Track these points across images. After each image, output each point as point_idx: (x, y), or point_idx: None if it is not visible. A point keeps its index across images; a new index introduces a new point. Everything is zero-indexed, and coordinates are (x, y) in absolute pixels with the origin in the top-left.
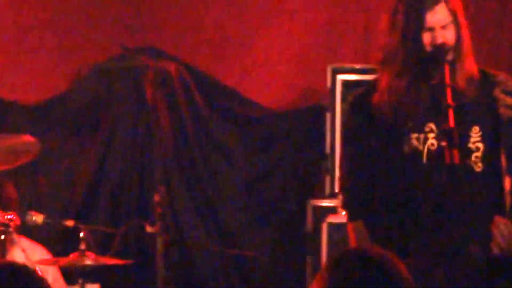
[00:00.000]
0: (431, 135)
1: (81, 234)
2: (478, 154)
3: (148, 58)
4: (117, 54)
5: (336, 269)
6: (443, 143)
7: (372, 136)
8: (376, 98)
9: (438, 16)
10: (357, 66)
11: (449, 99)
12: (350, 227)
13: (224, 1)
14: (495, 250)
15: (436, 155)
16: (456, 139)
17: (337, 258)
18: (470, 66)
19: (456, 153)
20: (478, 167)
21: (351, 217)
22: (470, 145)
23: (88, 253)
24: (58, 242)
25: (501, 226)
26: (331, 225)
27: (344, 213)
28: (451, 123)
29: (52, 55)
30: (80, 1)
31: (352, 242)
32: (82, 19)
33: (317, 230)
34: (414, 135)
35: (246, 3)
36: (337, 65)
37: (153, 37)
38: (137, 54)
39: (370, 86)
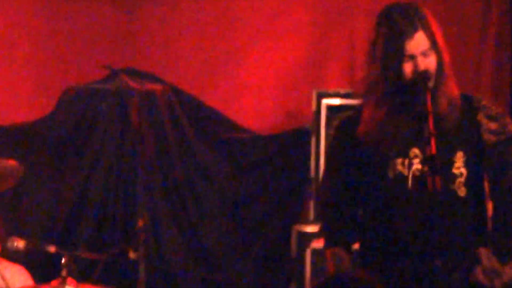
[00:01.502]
0: (416, 160)
1: (63, 260)
2: (462, 179)
3: (134, 80)
4: (103, 76)
5: None
6: (426, 170)
7: (356, 162)
8: (360, 129)
9: (417, 43)
10: (342, 91)
11: (431, 127)
12: (328, 253)
13: (210, 25)
14: (475, 281)
15: (421, 180)
16: (438, 166)
17: (319, 284)
18: (452, 91)
19: (438, 180)
20: (462, 192)
21: (330, 243)
22: (454, 171)
23: (70, 280)
24: (40, 268)
25: (484, 261)
26: (315, 251)
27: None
28: (433, 150)
29: (37, 77)
30: (65, 24)
31: (331, 268)
32: (67, 41)
33: (301, 256)
34: (399, 160)
35: (232, 26)
36: (322, 89)
37: (139, 59)
38: (122, 76)
39: (356, 112)
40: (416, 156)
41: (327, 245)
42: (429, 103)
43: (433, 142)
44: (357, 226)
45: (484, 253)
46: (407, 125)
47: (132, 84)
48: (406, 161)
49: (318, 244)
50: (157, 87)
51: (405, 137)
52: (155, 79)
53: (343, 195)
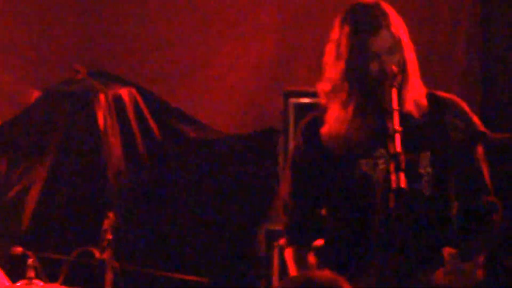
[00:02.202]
0: (381, 161)
1: (29, 261)
2: (428, 178)
3: (100, 82)
4: (69, 78)
5: None
6: (390, 167)
7: (320, 162)
8: (324, 129)
9: (382, 41)
10: (310, 90)
11: (396, 124)
12: (289, 251)
13: (177, 25)
14: (437, 282)
15: (386, 180)
16: (402, 163)
17: (283, 285)
18: (418, 89)
19: (402, 177)
20: (427, 191)
21: (292, 241)
22: (420, 170)
23: (36, 281)
24: (6, 270)
25: (447, 260)
26: (283, 249)
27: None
28: (398, 147)
29: (1, 80)
30: (30, 26)
31: (291, 267)
32: (32, 44)
33: (269, 254)
34: (364, 161)
35: (199, 27)
36: (289, 88)
37: (105, 61)
38: (88, 78)
39: (321, 112)
40: (381, 156)
41: (288, 244)
42: (394, 100)
43: (397, 139)
44: (320, 225)
45: (448, 252)
46: (372, 125)
47: (98, 86)
48: (372, 161)
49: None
50: (124, 89)
51: (370, 137)
52: (121, 81)
53: (305, 195)
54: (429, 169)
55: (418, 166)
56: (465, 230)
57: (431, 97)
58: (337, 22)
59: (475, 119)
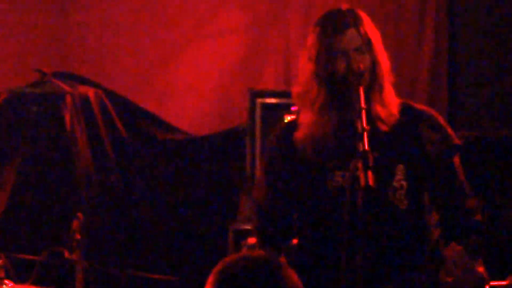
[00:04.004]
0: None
1: (0, 262)
2: (403, 192)
3: (67, 83)
4: (34, 80)
5: (221, 274)
6: (358, 165)
7: (293, 170)
8: (297, 134)
9: (349, 39)
10: (277, 89)
11: (364, 123)
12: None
13: (143, 26)
14: (445, 277)
15: (354, 179)
16: (370, 161)
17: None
18: (389, 95)
19: (370, 175)
20: (403, 205)
21: (263, 243)
22: (395, 183)
23: (7, 281)
24: None
25: (454, 255)
26: (251, 247)
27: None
28: (366, 146)
29: None
30: None
31: None
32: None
33: (237, 252)
34: (339, 172)
35: (166, 27)
36: (256, 88)
37: (72, 62)
38: (54, 80)
39: (295, 118)
40: (357, 169)
41: (259, 246)
42: (362, 98)
43: (365, 137)
44: (291, 228)
45: (454, 249)
46: (347, 136)
47: (65, 87)
48: (347, 174)
49: (254, 240)
50: (90, 90)
51: (346, 148)
52: (87, 82)
53: (278, 199)
54: (403, 183)
55: (392, 179)
56: (450, 234)
57: (405, 108)
58: (311, 29)
59: (451, 131)
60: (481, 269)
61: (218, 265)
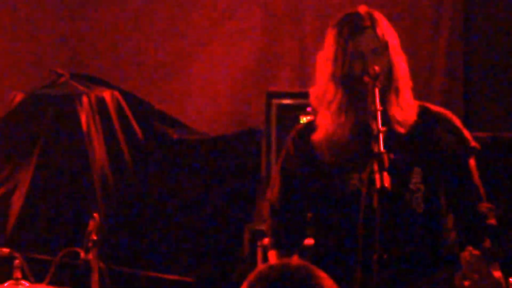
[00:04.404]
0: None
1: (16, 262)
2: (419, 194)
3: (83, 85)
4: (51, 81)
5: (255, 283)
6: (374, 168)
7: (310, 171)
8: (314, 136)
9: (366, 40)
10: (292, 90)
11: (379, 124)
12: (273, 253)
13: (160, 26)
14: (461, 281)
15: (370, 181)
16: (386, 163)
17: (257, 273)
18: (406, 97)
19: (386, 176)
20: (420, 208)
21: (277, 244)
22: (412, 186)
23: (23, 282)
24: None
25: (471, 259)
26: (266, 248)
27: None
28: (381, 147)
29: None
30: (10, 28)
31: None
32: (13, 46)
33: (252, 253)
34: (356, 175)
35: (183, 28)
36: (272, 89)
37: (88, 63)
38: (71, 81)
39: (312, 120)
40: (373, 171)
41: (272, 246)
42: (377, 100)
43: (381, 139)
44: (305, 229)
45: (471, 253)
46: (364, 138)
47: (81, 88)
48: (364, 177)
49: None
50: (106, 91)
51: (363, 150)
52: (104, 83)
53: (293, 201)
54: (420, 185)
55: (409, 182)
56: (465, 238)
57: (422, 110)
58: (328, 30)
59: (467, 133)
60: (497, 273)
61: (253, 273)
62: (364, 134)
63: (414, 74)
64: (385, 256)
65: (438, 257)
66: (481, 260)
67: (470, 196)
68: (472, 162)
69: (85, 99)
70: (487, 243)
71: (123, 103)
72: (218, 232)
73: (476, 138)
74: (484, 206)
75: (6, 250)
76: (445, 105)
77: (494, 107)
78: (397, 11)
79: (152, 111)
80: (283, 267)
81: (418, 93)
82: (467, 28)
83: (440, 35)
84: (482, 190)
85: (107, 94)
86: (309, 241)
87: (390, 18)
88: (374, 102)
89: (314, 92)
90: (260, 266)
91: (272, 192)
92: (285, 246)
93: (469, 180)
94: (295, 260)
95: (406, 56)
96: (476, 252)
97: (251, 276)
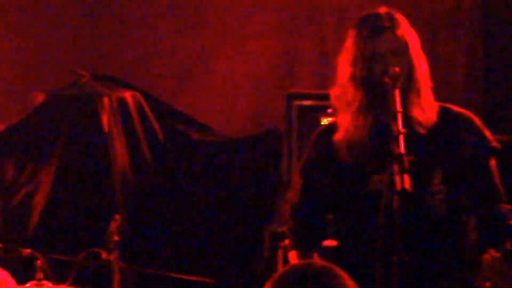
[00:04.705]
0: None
1: (38, 263)
2: (441, 196)
3: (104, 86)
4: (73, 82)
5: (277, 284)
6: (394, 169)
7: (331, 172)
8: (336, 137)
9: (386, 42)
10: (313, 92)
11: (400, 126)
12: (294, 254)
13: (180, 28)
14: (482, 283)
15: (403, 199)
16: (406, 164)
17: (280, 273)
18: (427, 98)
19: (406, 178)
20: (441, 209)
21: (297, 244)
22: (433, 188)
23: (45, 282)
24: (15, 271)
25: (492, 261)
26: (287, 249)
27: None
28: (401, 149)
29: (3, 83)
30: (31, 29)
31: None
32: (34, 47)
33: (273, 255)
34: (377, 177)
35: (203, 29)
36: (293, 90)
37: (109, 64)
38: (93, 82)
39: (333, 121)
40: (394, 174)
41: (293, 247)
42: (398, 101)
43: (401, 140)
44: (325, 229)
45: (492, 256)
46: (385, 140)
47: (103, 89)
48: (385, 178)
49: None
50: (128, 92)
51: (384, 152)
52: (125, 84)
53: (314, 202)
54: (442, 187)
55: (430, 183)
56: (486, 239)
57: (443, 111)
58: (348, 31)
59: (488, 134)
60: None
61: (276, 273)
62: (385, 135)
63: (434, 74)
64: (405, 258)
65: (459, 258)
66: (502, 262)
67: (491, 197)
68: (493, 162)
69: (106, 100)
70: (508, 245)
71: (144, 104)
72: (239, 234)
73: (497, 140)
74: (505, 207)
75: (28, 251)
76: (465, 106)
77: None
78: (416, 12)
79: (172, 112)
80: (306, 267)
81: (438, 94)
82: (487, 29)
83: (460, 35)
84: (502, 191)
85: (128, 95)
86: (329, 242)
87: (409, 18)
88: (394, 103)
89: (334, 93)
90: (283, 267)
91: (293, 193)
92: (305, 246)
93: (490, 180)
94: (317, 260)
95: (426, 56)
96: (497, 254)
97: (275, 276)
